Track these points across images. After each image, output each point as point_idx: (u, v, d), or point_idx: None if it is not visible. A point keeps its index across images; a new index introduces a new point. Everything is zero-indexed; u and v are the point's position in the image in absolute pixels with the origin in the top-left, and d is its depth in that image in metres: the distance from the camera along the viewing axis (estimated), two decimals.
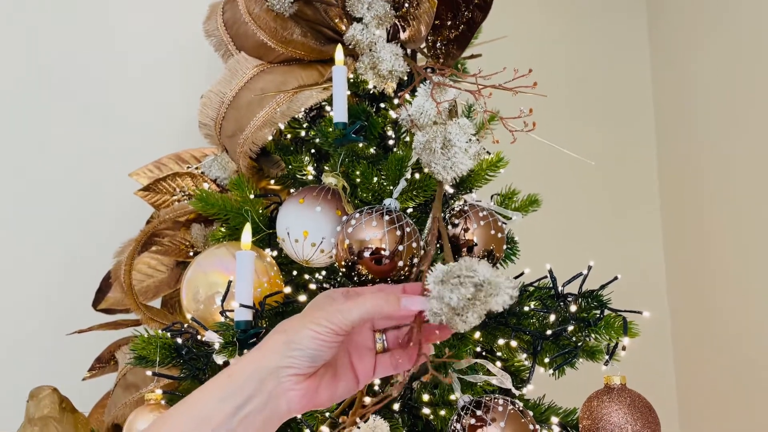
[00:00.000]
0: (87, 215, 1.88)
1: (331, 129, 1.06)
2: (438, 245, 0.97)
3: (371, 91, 1.25)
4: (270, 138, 1.18)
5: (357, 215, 0.91)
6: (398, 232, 0.89)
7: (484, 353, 1.17)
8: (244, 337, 0.84)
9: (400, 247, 0.88)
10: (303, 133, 1.19)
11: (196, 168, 1.40)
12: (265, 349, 0.63)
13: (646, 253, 2.25)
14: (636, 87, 2.38)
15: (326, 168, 1.08)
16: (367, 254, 0.89)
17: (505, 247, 1.07)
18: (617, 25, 2.41)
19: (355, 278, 0.93)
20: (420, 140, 0.86)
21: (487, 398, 0.88)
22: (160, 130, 1.92)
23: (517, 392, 0.93)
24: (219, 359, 0.84)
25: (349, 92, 1.25)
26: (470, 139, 0.87)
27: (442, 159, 0.87)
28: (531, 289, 1.08)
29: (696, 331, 2.10)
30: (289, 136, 1.26)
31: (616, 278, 0.99)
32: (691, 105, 2.18)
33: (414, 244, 0.90)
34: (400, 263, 0.89)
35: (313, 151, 1.23)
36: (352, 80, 1.22)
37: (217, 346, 0.89)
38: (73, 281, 1.76)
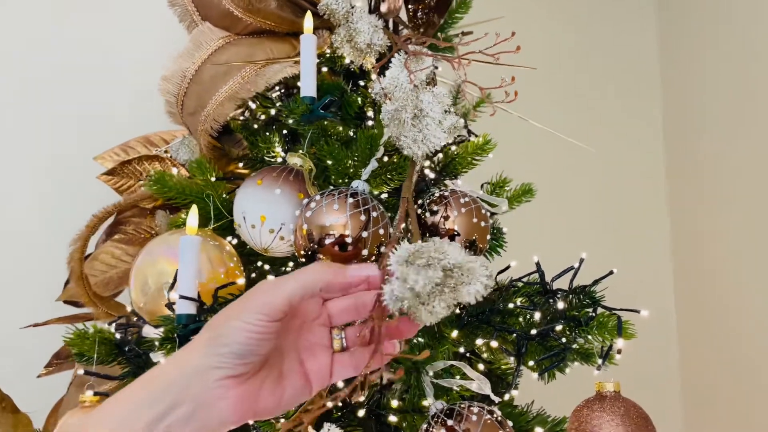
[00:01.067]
0: (59, 206, 1.79)
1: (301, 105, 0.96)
2: (408, 230, 0.87)
3: (350, 68, 1.15)
4: (236, 114, 1.08)
5: (317, 198, 0.81)
6: (363, 217, 0.79)
7: (468, 354, 1.06)
8: (184, 333, 0.74)
9: (365, 234, 0.78)
10: (273, 112, 1.09)
11: (165, 151, 1.31)
12: (189, 349, 0.53)
13: (651, 248, 2.13)
14: (644, 76, 2.27)
15: (300, 150, 0.98)
16: (328, 241, 0.79)
17: (489, 237, 0.96)
18: (625, 13, 2.29)
19: None
20: (388, 110, 0.76)
21: (461, 405, 0.78)
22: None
23: (497, 399, 0.83)
24: (157, 357, 0.75)
25: (325, 69, 1.15)
26: (446, 110, 0.77)
27: (412, 131, 0.77)
28: (519, 284, 0.98)
29: (704, 333, 1.99)
30: (263, 117, 1.16)
31: (611, 272, 0.89)
32: (699, 97, 2.07)
33: (381, 231, 0.80)
34: (365, 252, 0.79)
35: (285, 132, 1.13)
36: (328, 55, 1.13)
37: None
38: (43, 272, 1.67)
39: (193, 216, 0.80)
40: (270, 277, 0.93)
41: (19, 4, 1.85)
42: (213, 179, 1.02)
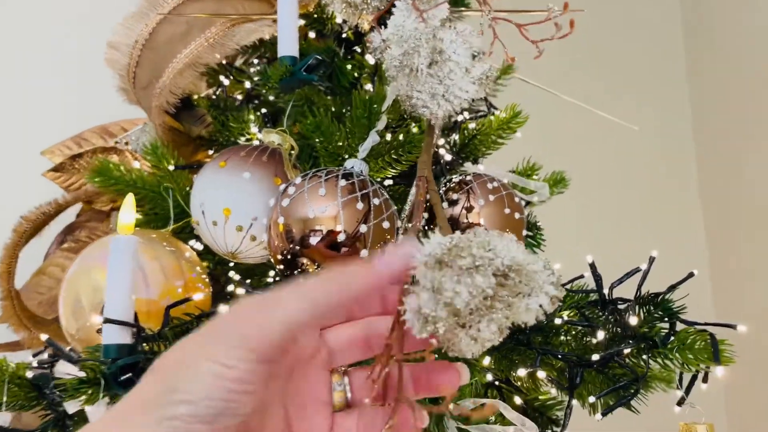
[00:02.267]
0: None
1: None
2: (426, 223, 0.66)
3: (342, 31, 0.94)
4: (208, 93, 0.88)
5: (298, 181, 0.59)
6: (360, 205, 0.57)
7: (497, 383, 0.85)
8: (112, 371, 0.52)
9: (363, 228, 0.57)
10: (248, 85, 0.88)
11: (126, 143, 1.10)
12: (123, 411, 0.33)
13: (687, 246, 1.90)
14: (670, 71, 2.06)
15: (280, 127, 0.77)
16: (313, 240, 0.57)
17: (525, 233, 0.75)
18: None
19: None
20: (394, 56, 0.55)
21: None
22: None
23: None
24: (71, 407, 0.53)
25: (312, 34, 0.94)
26: (474, 55, 0.56)
27: (429, 82, 0.55)
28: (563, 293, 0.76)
29: (747, 341, 1.76)
30: (240, 96, 0.95)
31: (691, 275, 0.67)
32: (727, 86, 1.86)
33: (386, 224, 0.59)
34: (364, 252, 0.57)
35: (264, 111, 0.92)
36: (315, 15, 0.92)
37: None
38: None
39: (127, 208, 0.58)
40: (250, 296, 0.71)
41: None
42: (172, 168, 0.80)
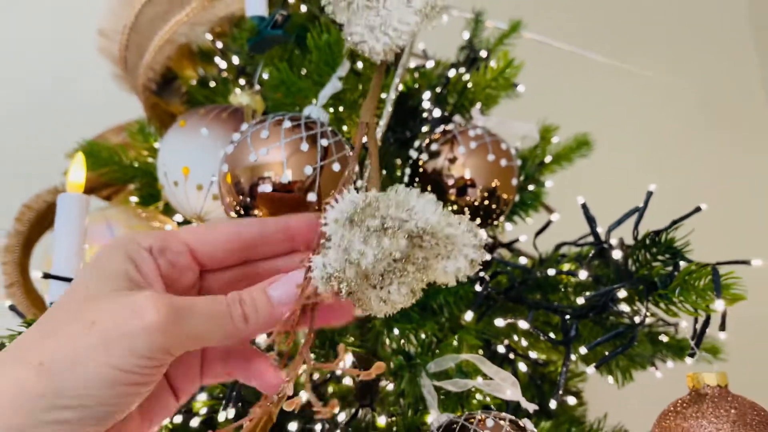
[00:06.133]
0: None
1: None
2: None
3: None
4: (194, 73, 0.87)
5: (244, 128, 0.57)
6: (305, 146, 0.54)
7: (506, 350, 0.78)
8: None
9: (308, 170, 0.53)
10: (236, 60, 0.87)
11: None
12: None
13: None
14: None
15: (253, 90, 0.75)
16: (264, 188, 0.54)
17: (515, 182, 0.69)
18: None
19: None
20: None
21: (470, 418, 0.50)
22: None
23: (532, 407, 0.54)
24: None
25: None
26: None
27: (366, 15, 0.52)
28: (571, 251, 0.70)
29: None
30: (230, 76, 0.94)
31: (698, 209, 0.59)
32: None
33: (336, 167, 0.55)
34: (311, 196, 0.53)
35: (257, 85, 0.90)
36: None
37: None
38: None
39: (77, 167, 0.57)
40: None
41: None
42: (157, 145, 0.80)
